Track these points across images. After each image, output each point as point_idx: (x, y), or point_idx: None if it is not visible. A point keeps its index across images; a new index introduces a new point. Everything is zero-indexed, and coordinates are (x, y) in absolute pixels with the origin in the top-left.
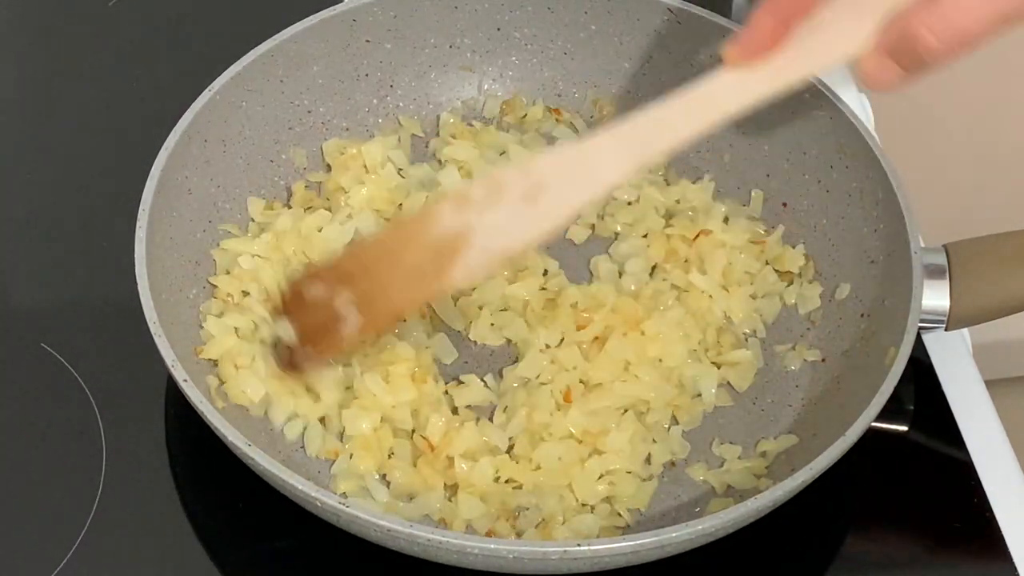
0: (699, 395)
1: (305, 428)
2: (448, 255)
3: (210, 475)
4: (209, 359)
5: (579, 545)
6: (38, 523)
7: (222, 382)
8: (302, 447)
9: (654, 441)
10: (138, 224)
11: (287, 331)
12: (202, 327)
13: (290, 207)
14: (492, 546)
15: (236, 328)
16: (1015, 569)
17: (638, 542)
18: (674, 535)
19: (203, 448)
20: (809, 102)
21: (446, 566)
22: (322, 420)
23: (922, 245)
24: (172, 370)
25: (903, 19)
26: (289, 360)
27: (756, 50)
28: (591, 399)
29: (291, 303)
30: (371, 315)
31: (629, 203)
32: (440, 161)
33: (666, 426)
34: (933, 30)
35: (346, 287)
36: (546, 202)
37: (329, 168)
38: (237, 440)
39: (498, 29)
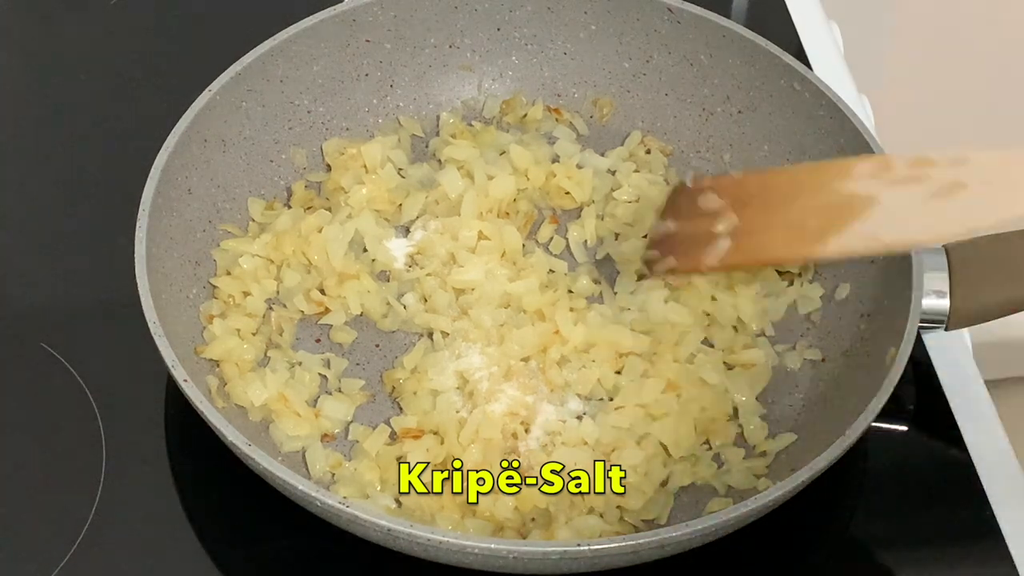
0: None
1: (305, 449)
2: (838, 219)
3: (210, 475)
4: (210, 359)
5: (579, 545)
6: (38, 523)
7: (224, 382)
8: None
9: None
10: (138, 224)
11: (664, 229)
12: (205, 328)
13: (290, 207)
14: (492, 546)
15: (238, 329)
16: (1015, 569)
17: (638, 542)
18: (674, 535)
19: (203, 448)
20: (809, 102)
21: (446, 566)
22: (324, 436)
23: None
24: (172, 370)
25: None
26: (650, 264)
27: None
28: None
29: (679, 204)
30: (741, 249)
31: (629, 203)
32: (440, 161)
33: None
34: None
35: (736, 210)
36: (959, 204)
37: (329, 168)
38: (237, 440)
39: (498, 29)
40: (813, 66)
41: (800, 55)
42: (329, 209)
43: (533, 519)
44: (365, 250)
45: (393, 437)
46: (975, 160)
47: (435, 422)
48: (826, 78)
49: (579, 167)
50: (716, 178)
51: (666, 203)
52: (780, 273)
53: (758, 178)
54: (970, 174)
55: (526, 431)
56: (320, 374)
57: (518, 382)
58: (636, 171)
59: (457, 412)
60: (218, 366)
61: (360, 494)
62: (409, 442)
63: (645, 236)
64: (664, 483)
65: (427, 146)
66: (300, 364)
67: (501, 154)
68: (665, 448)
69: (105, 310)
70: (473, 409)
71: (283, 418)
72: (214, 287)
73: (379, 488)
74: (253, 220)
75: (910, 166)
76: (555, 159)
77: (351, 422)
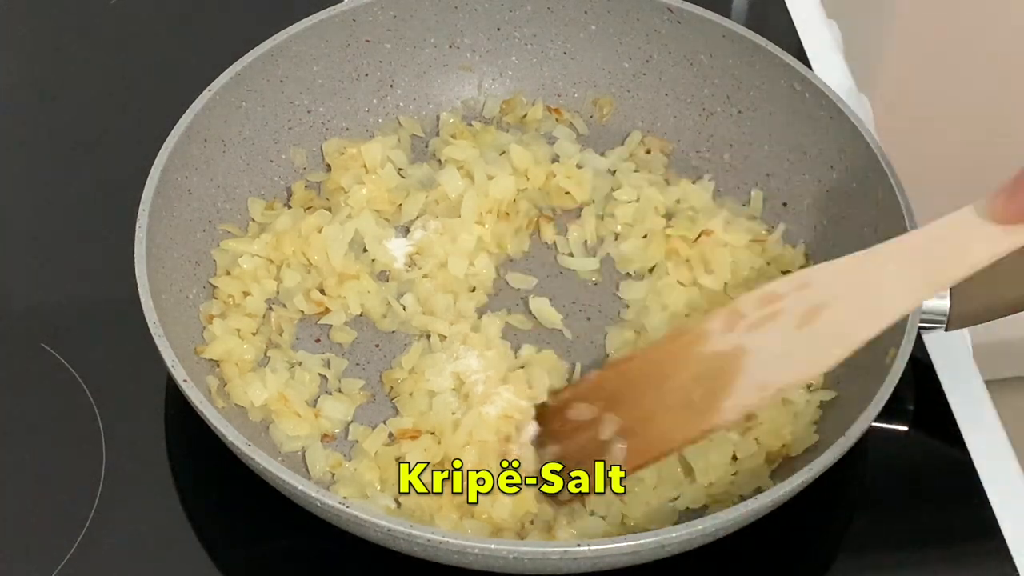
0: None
1: (305, 449)
2: (718, 384)
3: (210, 475)
4: (210, 359)
5: (579, 545)
6: (38, 523)
7: (224, 382)
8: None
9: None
10: (138, 224)
11: (550, 455)
12: (205, 328)
13: (290, 207)
14: (492, 546)
15: (238, 330)
16: (1015, 569)
17: (638, 542)
18: (674, 535)
19: (203, 448)
20: (809, 102)
21: (446, 566)
22: (324, 436)
23: None
24: (172, 370)
25: None
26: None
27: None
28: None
29: (551, 426)
30: (639, 449)
31: (629, 203)
32: (440, 161)
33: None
34: None
35: (612, 410)
36: (828, 325)
37: (329, 168)
38: (237, 440)
39: (498, 29)
40: (813, 65)
41: (800, 55)
42: (329, 209)
43: (532, 521)
44: (365, 250)
45: (392, 438)
46: (815, 279)
47: (431, 423)
48: (826, 78)
49: (579, 167)
50: (574, 387)
51: (539, 431)
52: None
53: (615, 372)
54: (820, 294)
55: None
56: (320, 374)
57: (514, 386)
58: (636, 171)
59: (453, 413)
60: (218, 366)
61: (360, 494)
62: (407, 442)
63: (647, 236)
64: (674, 499)
65: (427, 146)
66: (300, 364)
67: (501, 154)
68: (686, 467)
69: (105, 310)
70: (468, 411)
71: (283, 418)
72: (214, 287)
73: (379, 488)
74: (253, 220)
75: (758, 307)
76: (555, 159)
77: (351, 422)
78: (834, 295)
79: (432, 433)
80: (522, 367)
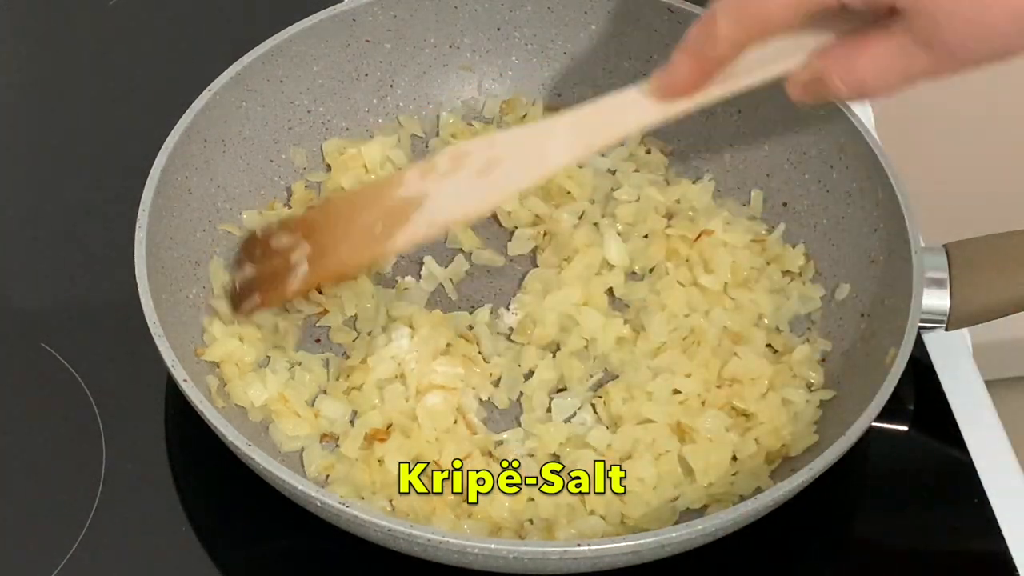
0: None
1: (303, 448)
2: (398, 219)
3: (210, 475)
4: (211, 361)
5: (579, 545)
6: (38, 523)
7: (224, 382)
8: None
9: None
10: (138, 224)
11: (243, 275)
12: (205, 331)
13: (290, 207)
14: (492, 546)
15: (240, 335)
16: (1015, 569)
17: (638, 542)
18: (674, 535)
19: (203, 448)
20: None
21: (446, 566)
22: (323, 436)
23: (922, 245)
24: (172, 370)
25: (820, 61)
26: (237, 304)
27: (674, 93)
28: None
29: (255, 249)
30: (317, 268)
31: (629, 202)
32: None
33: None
34: (843, 80)
35: (307, 239)
36: (497, 176)
37: (329, 168)
38: (237, 440)
39: (498, 29)
40: None
41: None
42: None
43: (531, 520)
44: None
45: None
46: (502, 138)
47: (392, 418)
48: None
49: (579, 166)
50: (283, 220)
51: (240, 251)
52: (782, 274)
53: (323, 207)
54: (502, 151)
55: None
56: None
57: (447, 358)
58: (636, 171)
59: (407, 401)
60: (218, 366)
61: (355, 495)
62: (379, 444)
63: (647, 236)
64: (674, 500)
65: (427, 146)
66: (300, 364)
67: None
68: (686, 467)
69: (105, 310)
70: (418, 404)
71: (283, 418)
72: (214, 288)
73: (373, 492)
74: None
75: (451, 159)
76: None
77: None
78: (509, 152)
79: (400, 431)
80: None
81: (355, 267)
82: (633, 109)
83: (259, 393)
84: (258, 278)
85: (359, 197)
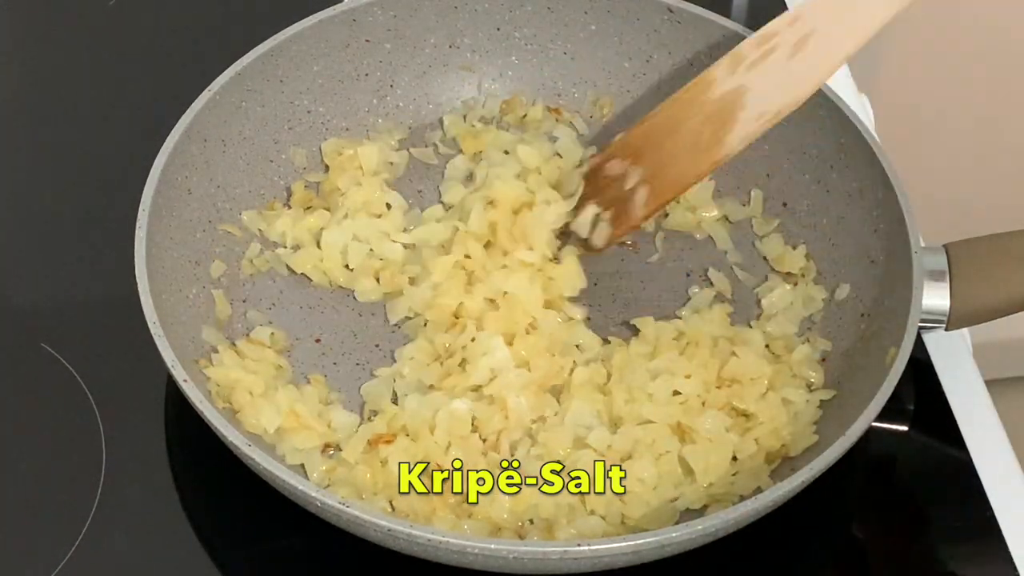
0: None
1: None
2: (723, 121)
3: (210, 475)
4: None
5: (579, 545)
6: (38, 523)
7: (236, 411)
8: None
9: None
10: (138, 224)
11: (583, 221)
12: (215, 350)
13: (290, 207)
14: (492, 546)
15: (248, 368)
16: (1015, 569)
17: (638, 542)
18: (674, 535)
19: (203, 448)
20: (810, 102)
21: (446, 566)
22: (325, 446)
23: (922, 245)
24: (172, 370)
25: None
26: (585, 243)
27: None
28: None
29: (593, 183)
30: (657, 189)
31: None
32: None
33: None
34: None
35: (636, 163)
36: (814, 49)
37: (327, 168)
38: (237, 440)
39: (498, 29)
40: None
41: None
42: (328, 209)
43: (531, 520)
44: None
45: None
46: (805, 10)
47: (402, 422)
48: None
49: (582, 164)
50: (606, 149)
51: (584, 188)
52: (783, 275)
53: (639, 129)
54: (809, 24)
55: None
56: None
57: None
58: None
59: (400, 396)
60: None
61: (355, 496)
62: (383, 447)
63: None
64: (674, 500)
65: (427, 146)
66: (306, 377)
67: (505, 153)
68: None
69: (105, 310)
70: (440, 409)
71: (294, 434)
72: (213, 290)
73: (374, 493)
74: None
75: (758, 46)
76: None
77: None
78: (821, 21)
79: (407, 435)
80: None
81: (693, 180)
82: None
83: (272, 419)
84: (602, 211)
85: (676, 107)
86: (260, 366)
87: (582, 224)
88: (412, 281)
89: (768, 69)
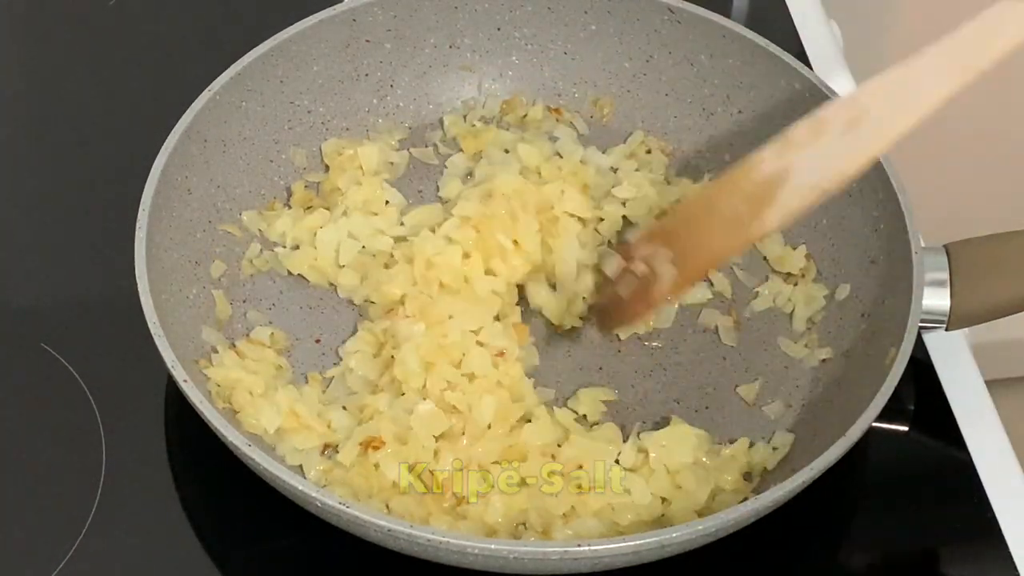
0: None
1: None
2: (763, 198)
3: (210, 475)
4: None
5: (579, 545)
6: (38, 523)
7: (236, 411)
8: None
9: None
10: (138, 224)
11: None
12: (215, 351)
13: (290, 207)
14: (492, 546)
15: (250, 368)
16: (1015, 569)
17: (638, 542)
18: (674, 535)
19: (203, 448)
20: (809, 102)
21: (446, 566)
22: (325, 446)
23: (923, 245)
24: (172, 370)
25: None
26: (606, 322)
27: None
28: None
29: (621, 277)
30: (686, 270)
31: (624, 203)
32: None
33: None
34: None
35: (668, 246)
36: (866, 129)
37: (327, 168)
38: (237, 440)
39: (498, 29)
40: (813, 66)
41: (800, 55)
42: (328, 209)
43: (523, 523)
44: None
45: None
46: (863, 92)
47: (384, 426)
48: (826, 78)
49: (583, 163)
50: (640, 234)
51: (612, 272)
52: (784, 275)
53: (679, 214)
54: (865, 103)
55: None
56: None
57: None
58: (637, 170)
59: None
60: (230, 393)
61: (352, 498)
62: (372, 452)
63: None
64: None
65: (427, 146)
66: (304, 376)
67: (506, 151)
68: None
69: (105, 310)
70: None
71: (294, 434)
72: (213, 290)
73: (369, 496)
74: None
75: (808, 131)
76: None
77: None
78: (874, 102)
79: (396, 439)
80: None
81: (724, 256)
82: (1013, 18)
83: (272, 419)
84: (623, 293)
85: (714, 194)
86: (260, 366)
87: (609, 266)
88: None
89: (816, 149)
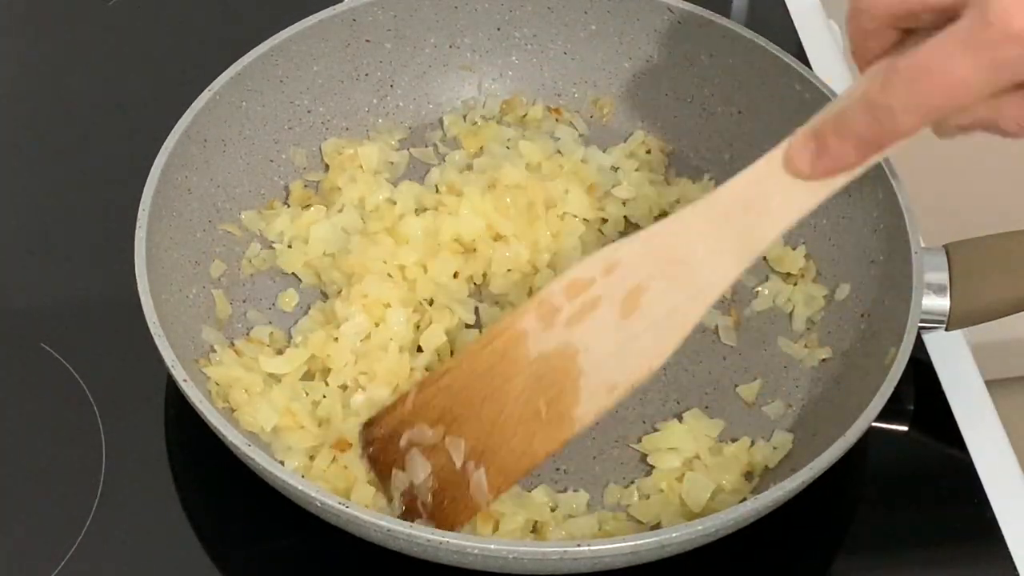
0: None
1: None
2: (562, 390)
3: (210, 475)
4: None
5: (579, 545)
6: (38, 523)
7: (233, 409)
8: None
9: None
10: (138, 224)
11: (402, 485)
12: (213, 349)
13: (288, 205)
14: (492, 546)
15: (247, 365)
16: (1015, 569)
17: (638, 542)
18: (674, 535)
19: (203, 448)
20: (810, 102)
21: (446, 566)
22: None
23: (922, 245)
24: (172, 370)
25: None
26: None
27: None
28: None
29: (386, 448)
30: (499, 470)
31: (625, 203)
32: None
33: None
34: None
35: (453, 431)
36: (653, 312)
37: (327, 168)
38: (237, 440)
39: (498, 29)
40: (813, 66)
41: (800, 55)
42: (326, 207)
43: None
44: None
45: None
46: (622, 259)
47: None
48: (826, 78)
49: (583, 162)
50: (392, 411)
51: (369, 457)
52: (783, 275)
53: (437, 389)
54: (633, 276)
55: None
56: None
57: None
58: (637, 170)
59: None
60: (227, 392)
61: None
62: (340, 455)
63: None
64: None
65: (427, 146)
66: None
67: (508, 148)
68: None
69: (105, 310)
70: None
71: (289, 432)
72: (213, 290)
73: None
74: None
75: (568, 296)
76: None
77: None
78: (648, 275)
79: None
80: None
81: (542, 458)
82: (786, 196)
83: (268, 417)
84: (417, 491)
85: (479, 365)
86: (258, 364)
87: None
88: None
89: (598, 328)
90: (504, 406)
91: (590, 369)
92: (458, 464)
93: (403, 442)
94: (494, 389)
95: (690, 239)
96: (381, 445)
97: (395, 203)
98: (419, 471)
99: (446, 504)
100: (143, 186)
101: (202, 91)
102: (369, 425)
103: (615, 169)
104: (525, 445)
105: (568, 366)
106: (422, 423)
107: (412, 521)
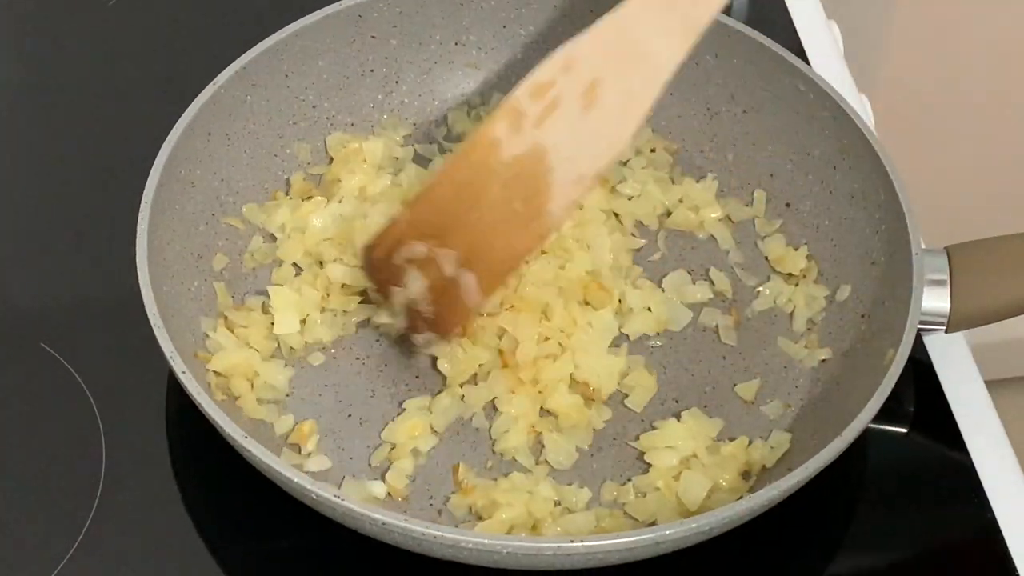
0: None
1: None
2: (535, 189)
3: (211, 474)
4: (215, 371)
5: (572, 541)
6: (38, 523)
7: (235, 398)
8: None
9: None
10: (140, 216)
11: (391, 317)
12: (207, 336)
13: (290, 197)
14: (487, 541)
15: (248, 342)
16: (1015, 569)
17: (633, 539)
18: (669, 533)
19: (203, 447)
20: (812, 102)
21: (443, 562)
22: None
23: (923, 247)
24: (171, 361)
25: None
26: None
27: None
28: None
29: (380, 273)
30: (486, 270)
31: (630, 198)
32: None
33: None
34: None
35: (443, 244)
36: (611, 101)
37: (331, 160)
38: (234, 432)
39: (504, 26)
40: (813, 66)
41: (800, 55)
42: (326, 198)
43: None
44: None
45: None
46: (576, 55)
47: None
48: (826, 78)
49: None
50: (387, 231)
51: (370, 277)
52: (785, 275)
53: (424, 205)
54: (589, 71)
55: None
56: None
57: None
58: (644, 167)
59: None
60: (228, 382)
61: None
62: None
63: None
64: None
65: (432, 143)
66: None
67: None
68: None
69: (105, 310)
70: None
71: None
72: (215, 285)
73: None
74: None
75: (532, 100)
76: None
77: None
78: (603, 66)
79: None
80: None
81: (524, 255)
82: None
83: (292, 322)
84: (422, 313)
85: (460, 176)
86: (253, 334)
87: (395, 311)
88: None
89: (562, 125)
90: (485, 212)
91: (558, 165)
92: (449, 272)
93: (398, 260)
94: (475, 198)
95: (639, 26)
96: (380, 266)
97: (401, 185)
98: (415, 284)
99: (444, 311)
100: (144, 186)
101: (207, 85)
102: (368, 250)
103: (623, 163)
104: (508, 245)
105: (538, 166)
106: (413, 240)
107: (415, 334)
